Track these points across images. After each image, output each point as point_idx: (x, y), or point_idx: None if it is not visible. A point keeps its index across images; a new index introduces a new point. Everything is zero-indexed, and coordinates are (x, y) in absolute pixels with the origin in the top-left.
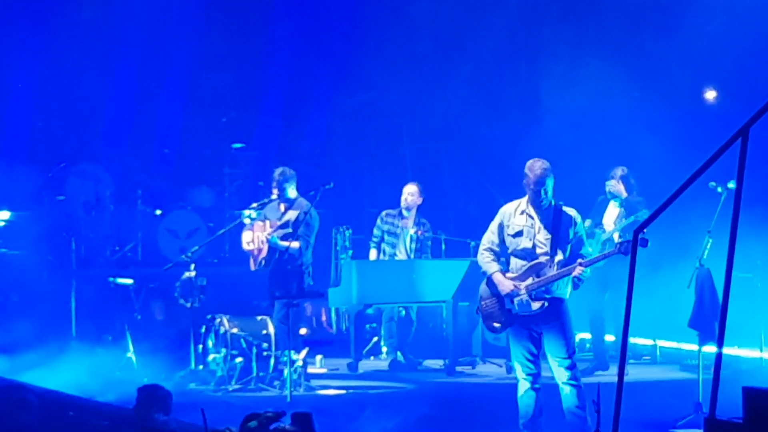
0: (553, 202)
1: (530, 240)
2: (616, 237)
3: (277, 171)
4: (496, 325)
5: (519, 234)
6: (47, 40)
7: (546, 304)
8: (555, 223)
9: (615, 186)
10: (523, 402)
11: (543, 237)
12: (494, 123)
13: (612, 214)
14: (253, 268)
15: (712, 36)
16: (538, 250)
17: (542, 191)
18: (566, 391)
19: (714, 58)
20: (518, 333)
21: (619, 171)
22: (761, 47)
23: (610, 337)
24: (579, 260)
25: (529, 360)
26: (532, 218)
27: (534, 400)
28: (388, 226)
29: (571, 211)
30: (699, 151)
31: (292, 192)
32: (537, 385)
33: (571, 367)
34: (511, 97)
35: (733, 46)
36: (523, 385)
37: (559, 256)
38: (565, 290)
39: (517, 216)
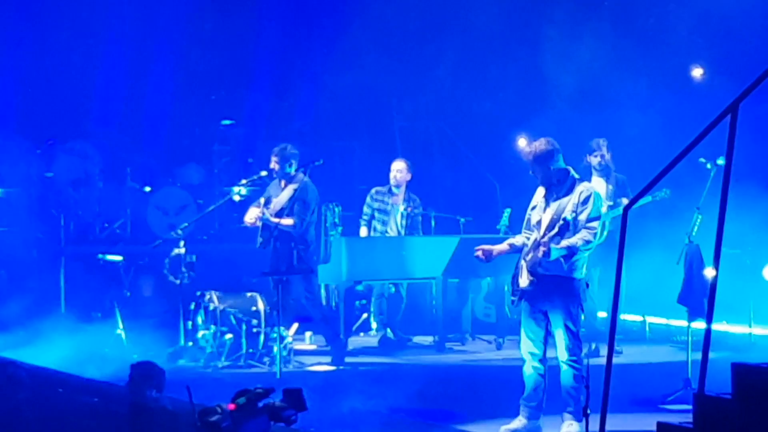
0: (576, 176)
1: (539, 214)
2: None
3: (279, 147)
4: (513, 298)
5: (534, 208)
6: (36, 18)
7: (533, 279)
8: (561, 199)
9: (606, 158)
10: (525, 378)
11: (548, 213)
12: (484, 101)
13: (600, 190)
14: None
15: (700, 14)
16: (542, 226)
17: (530, 172)
18: (564, 369)
19: (701, 36)
20: (524, 309)
21: (604, 142)
22: (747, 25)
23: (602, 314)
24: (543, 240)
25: (529, 338)
26: (544, 193)
27: (533, 379)
28: (379, 204)
29: (581, 188)
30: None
31: (292, 167)
32: (537, 364)
33: (571, 348)
34: (501, 74)
35: (720, 24)
36: (527, 363)
37: (553, 233)
38: (570, 268)
39: (539, 190)
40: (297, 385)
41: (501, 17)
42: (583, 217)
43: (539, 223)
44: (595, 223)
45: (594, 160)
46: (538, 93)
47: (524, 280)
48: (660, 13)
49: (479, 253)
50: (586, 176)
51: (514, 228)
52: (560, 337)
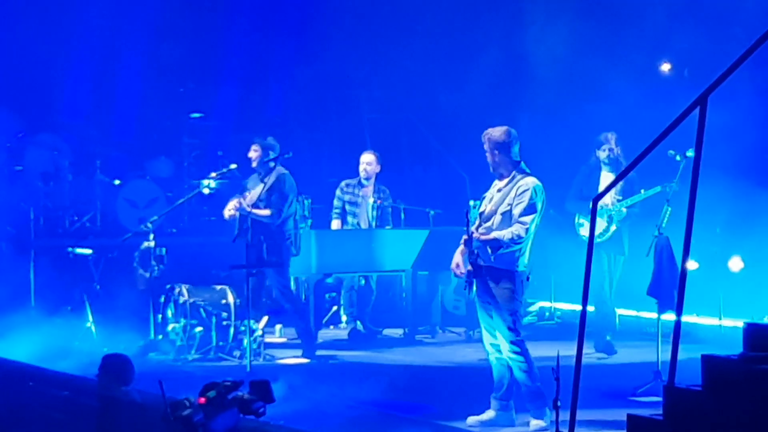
0: (525, 170)
1: (485, 206)
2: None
3: (260, 138)
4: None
5: (483, 198)
6: (4, 11)
7: (471, 270)
8: (503, 191)
9: (615, 152)
10: (492, 370)
11: (490, 204)
12: (453, 93)
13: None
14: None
15: (668, 9)
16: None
17: (488, 158)
18: (511, 364)
19: (669, 31)
20: (476, 301)
21: (612, 135)
22: (715, 20)
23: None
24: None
25: (486, 329)
26: (495, 184)
27: (497, 370)
28: (349, 196)
29: (523, 180)
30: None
31: (270, 158)
32: (499, 355)
33: (511, 339)
34: (471, 67)
35: (688, 19)
36: (490, 354)
37: (489, 224)
38: (509, 260)
39: (495, 181)
40: (267, 378)
41: (471, 9)
42: (516, 210)
43: (482, 213)
44: (527, 218)
45: (602, 155)
46: (508, 86)
47: (462, 271)
48: (632, 5)
49: (460, 271)
50: (597, 170)
51: None
52: (499, 330)
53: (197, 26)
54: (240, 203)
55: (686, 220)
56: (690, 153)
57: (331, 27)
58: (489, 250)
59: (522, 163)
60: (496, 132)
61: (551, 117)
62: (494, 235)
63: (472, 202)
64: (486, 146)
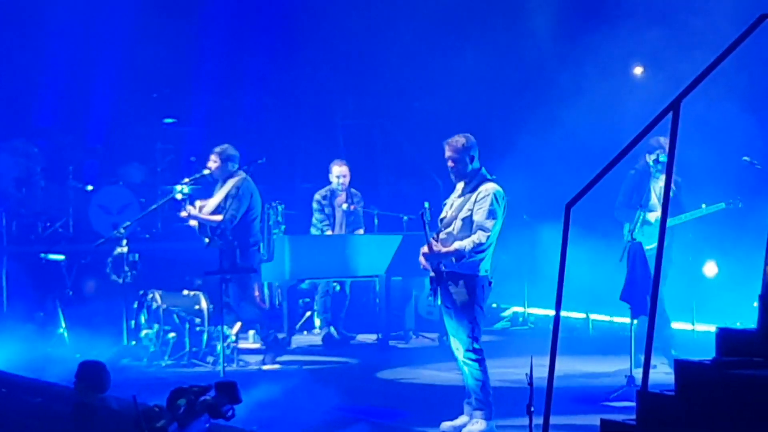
0: (487, 176)
1: (446, 212)
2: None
3: (219, 147)
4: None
5: (444, 205)
6: None
7: (433, 276)
8: (464, 197)
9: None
10: (463, 376)
11: (450, 210)
12: (427, 99)
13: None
14: None
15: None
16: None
17: (449, 166)
18: (464, 369)
19: (641, 35)
20: (441, 306)
21: (665, 140)
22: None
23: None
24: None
25: (451, 334)
26: (456, 190)
27: (465, 375)
28: (329, 209)
29: (483, 187)
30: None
31: (231, 168)
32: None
33: (468, 347)
34: (444, 73)
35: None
36: (458, 359)
37: (450, 229)
38: (470, 265)
39: (457, 187)
40: (241, 383)
41: (445, 16)
42: (477, 216)
43: (443, 219)
44: (489, 223)
45: (651, 158)
46: (481, 91)
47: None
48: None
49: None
50: (647, 176)
51: (434, 224)
52: (458, 336)
53: (172, 32)
54: (189, 210)
55: (659, 225)
56: (663, 158)
57: (306, 34)
58: (453, 259)
59: (483, 169)
60: (455, 141)
61: (525, 122)
62: (456, 246)
63: (426, 204)
64: (446, 155)
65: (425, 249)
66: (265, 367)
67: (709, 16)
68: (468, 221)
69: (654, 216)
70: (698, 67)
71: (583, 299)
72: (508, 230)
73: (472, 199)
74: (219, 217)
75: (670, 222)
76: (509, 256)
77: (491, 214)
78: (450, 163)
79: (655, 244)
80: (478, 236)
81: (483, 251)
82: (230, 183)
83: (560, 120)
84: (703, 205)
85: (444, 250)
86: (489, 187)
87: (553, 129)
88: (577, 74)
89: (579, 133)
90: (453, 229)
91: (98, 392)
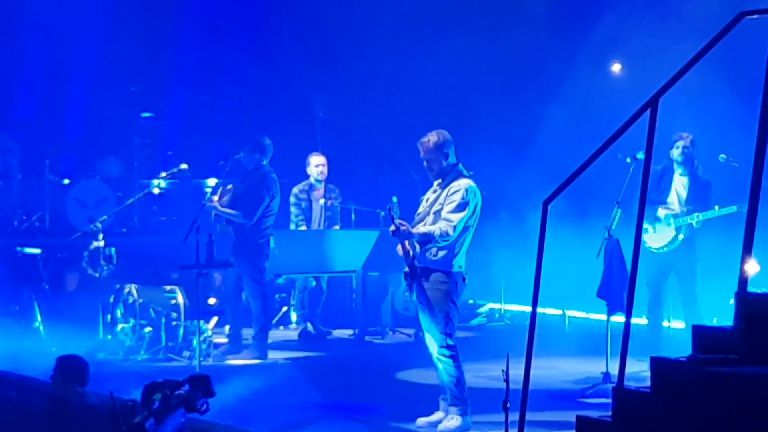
0: (464, 172)
1: (422, 207)
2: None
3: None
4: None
5: (422, 201)
6: None
7: (408, 272)
8: (438, 192)
9: (689, 153)
10: (438, 372)
11: (426, 204)
12: (404, 94)
13: (681, 189)
14: None
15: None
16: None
17: (424, 164)
18: (438, 365)
19: (620, 32)
20: (416, 302)
21: (688, 135)
22: (665, 21)
23: (678, 324)
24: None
25: (426, 331)
26: (432, 187)
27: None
28: (306, 203)
29: (456, 182)
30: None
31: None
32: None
33: (442, 343)
34: (422, 68)
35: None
36: (433, 356)
37: (422, 224)
38: (444, 260)
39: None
40: (217, 378)
41: (422, 11)
42: (445, 209)
43: (419, 214)
44: (454, 216)
45: (676, 152)
46: (459, 87)
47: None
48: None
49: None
50: (669, 173)
51: (404, 217)
52: (431, 332)
53: (149, 26)
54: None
55: (636, 223)
56: (640, 155)
57: (284, 27)
58: (417, 247)
59: (460, 165)
60: (427, 140)
61: (502, 119)
62: (422, 230)
63: (395, 199)
64: (421, 155)
65: (392, 228)
66: (241, 362)
67: (690, 13)
68: (439, 215)
69: (664, 212)
70: (678, 64)
71: (560, 296)
72: (484, 227)
73: (444, 194)
74: (234, 212)
75: (684, 221)
76: (486, 252)
77: (460, 207)
78: (425, 164)
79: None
80: (444, 225)
81: (449, 244)
82: (257, 176)
83: (538, 117)
84: (716, 207)
85: (413, 230)
86: (462, 183)
87: (532, 126)
88: (557, 70)
89: (557, 130)
90: (426, 223)
91: (77, 386)
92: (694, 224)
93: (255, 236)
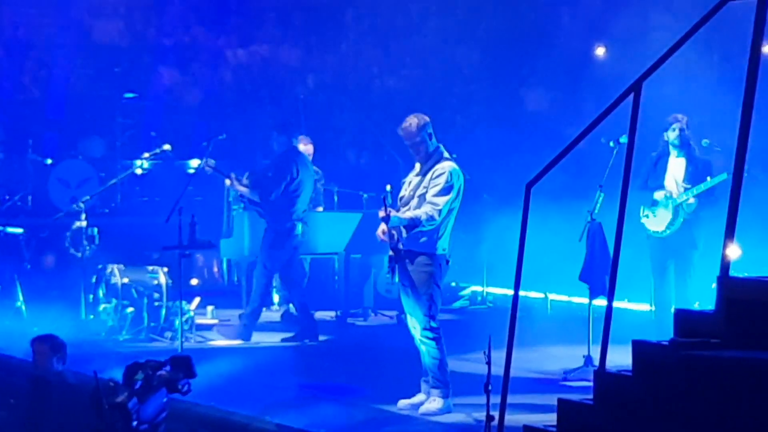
0: (445, 155)
1: (404, 190)
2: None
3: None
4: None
5: (403, 184)
6: None
7: (392, 254)
8: (421, 175)
9: (687, 133)
10: (420, 355)
11: (408, 188)
12: (387, 77)
13: (678, 170)
14: None
15: None
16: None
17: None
18: (421, 347)
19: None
20: (399, 285)
21: (683, 117)
22: (650, 5)
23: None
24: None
25: (408, 313)
26: (414, 169)
27: (422, 353)
28: None
29: (439, 165)
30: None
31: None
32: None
33: (425, 325)
34: (405, 51)
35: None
36: (415, 338)
37: (406, 208)
38: (428, 243)
39: (415, 166)
40: (199, 359)
41: None
42: (430, 192)
43: (402, 197)
44: (439, 200)
45: (672, 135)
46: (441, 70)
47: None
48: None
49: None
50: (665, 157)
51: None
52: (414, 314)
53: (132, 5)
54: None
55: (619, 206)
56: (623, 139)
57: (266, 8)
58: (404, 231)
59: (441, 147)
60: (408, 125)
61: (485, 102)
62: (409, 214)
63: (389, 187)
64: (406, 141)
65: (382, 213)
66: (223, 343)
67: None
68: (423, 199)
69: (661, 194)
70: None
71: (542, 279)
72: (467, 209)
73: (428, 177)
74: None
75: (680, 199)
76: (469, 235)
77: (445, 190)
78: (412, 149)
79: (663, 227)
80: (430, 209)
81: (434, 227)
82: (281, 157)
83: (521, 100)
84: (708, 178)
85: (400, 215)
86: (445, 165)
87: (514, 108)
88: (541, 54)
89: (540, 113)
90: (410, 207)
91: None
92: (692, 201)
93: (280, 220)
